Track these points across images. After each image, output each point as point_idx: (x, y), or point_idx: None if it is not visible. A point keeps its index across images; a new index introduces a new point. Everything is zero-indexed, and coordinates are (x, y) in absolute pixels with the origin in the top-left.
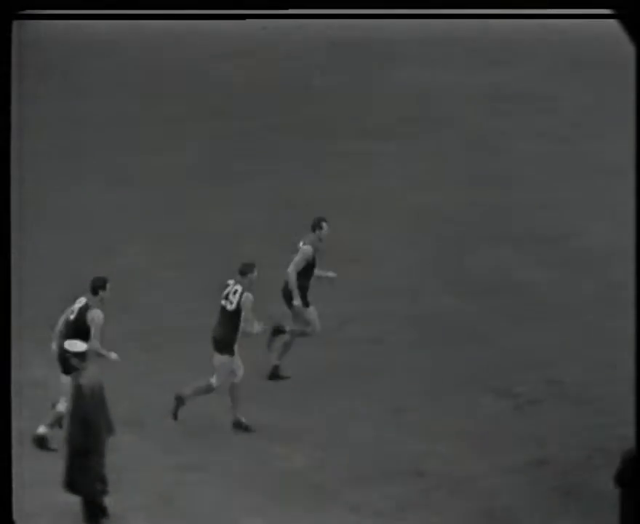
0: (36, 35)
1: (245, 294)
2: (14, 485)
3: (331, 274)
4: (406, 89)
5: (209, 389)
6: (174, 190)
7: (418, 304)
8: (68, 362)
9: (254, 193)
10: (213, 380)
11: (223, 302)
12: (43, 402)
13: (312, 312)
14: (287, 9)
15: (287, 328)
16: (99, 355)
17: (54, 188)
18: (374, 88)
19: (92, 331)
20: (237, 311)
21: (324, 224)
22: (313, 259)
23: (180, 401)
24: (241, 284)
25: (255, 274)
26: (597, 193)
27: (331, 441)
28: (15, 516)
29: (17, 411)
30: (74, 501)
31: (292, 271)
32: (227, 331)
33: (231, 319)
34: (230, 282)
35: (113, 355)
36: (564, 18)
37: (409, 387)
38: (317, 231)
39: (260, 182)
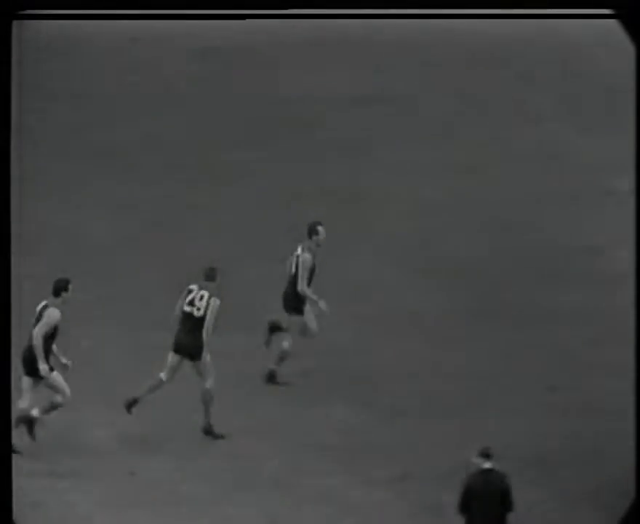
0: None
1: (213, 298)
2: (14, 486)
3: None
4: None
5: (207, 393)
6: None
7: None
8: (31, 365)
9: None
10: (207, 384)
11: (188, 308)
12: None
13: (308, 313)
14: (287, 9)
15: (285, 325)
16: (37, 353)
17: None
18: (237, 93)
19: (41, 322)
20: (205, 317)
21: (319, 229)
22: (313, 264)
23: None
24: (208, 289)
25: (219, 279)
26: (463, 196)
27: (197, 452)
28: (15, 517)
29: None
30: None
31: (300, 287)
32: (197, 336)
33: (199, 326)
34: (193, 287)
35: (46, 368)
36: (564, 18)
37: (272, 398)
38: (314, 237)
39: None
